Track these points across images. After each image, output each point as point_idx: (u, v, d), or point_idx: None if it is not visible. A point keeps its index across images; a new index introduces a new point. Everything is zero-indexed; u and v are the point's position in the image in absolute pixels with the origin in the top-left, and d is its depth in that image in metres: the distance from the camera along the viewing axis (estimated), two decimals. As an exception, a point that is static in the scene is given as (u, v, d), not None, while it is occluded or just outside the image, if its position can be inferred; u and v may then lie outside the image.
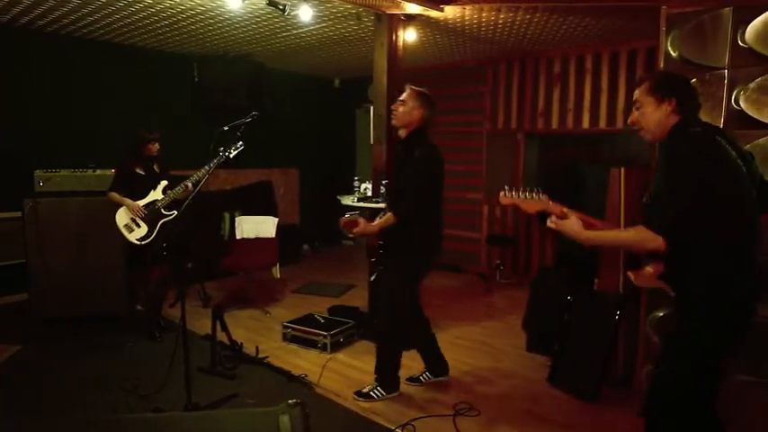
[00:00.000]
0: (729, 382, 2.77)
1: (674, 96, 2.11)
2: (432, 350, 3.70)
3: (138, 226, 4.20)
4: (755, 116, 2.81)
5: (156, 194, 4.26)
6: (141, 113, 5.84)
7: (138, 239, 4.18)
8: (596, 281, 3.82)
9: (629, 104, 5.70)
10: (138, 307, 4.86)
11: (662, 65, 3.16)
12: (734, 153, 2.04)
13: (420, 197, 3.20)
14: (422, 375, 3.70)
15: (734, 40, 2.88)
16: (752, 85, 2.82)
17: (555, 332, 3.82)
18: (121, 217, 4.21)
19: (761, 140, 2.79)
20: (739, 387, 2.91)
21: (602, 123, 5.86)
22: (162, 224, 4.22)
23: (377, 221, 3.27)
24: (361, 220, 3.31)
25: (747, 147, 2.83)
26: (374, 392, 3.41)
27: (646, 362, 3.37)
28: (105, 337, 4.41)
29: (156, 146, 4.33)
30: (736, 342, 2.11)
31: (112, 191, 4.28)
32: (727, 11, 2.89)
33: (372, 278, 3.50)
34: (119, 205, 4.22)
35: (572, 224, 2.15)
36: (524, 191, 2.21)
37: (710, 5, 2.95)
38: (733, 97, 2.89)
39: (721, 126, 2.92)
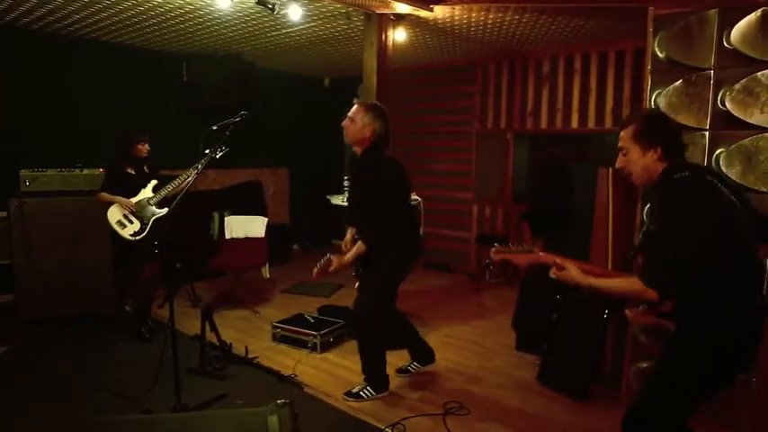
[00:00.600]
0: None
1: (660, 144, 2.10)
2: (415, 342, 3.75)
3: (131, 222, 4.20)
4: (740, 116, 2.84)
5: (146, 193, 4.27)
6: (130, 113, 5.80)
7: (131, 235, 4.17)
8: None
9: (617, 104, 5.78)
10: (127, 308, 4.83)
11: (649, 66, 3.19)
12: (725, 190, 2.02)
13: (389, 217, 3.19)
14: (410, 365, 3.76)
15: (720, 42, 2.91)
16: (737, 86, 2.85)
17: (544, 331, 3.84)
18: (114, 214, 4.20)
19: (745, 141, 2.83)
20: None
21: (591, 123, 5.90)
22: (154, 221, 4.21)
23: (349, 254, 3.23)
24: (334, 258, 3.29)
25: (732, 147, 2.87)
26: (364, 392, 3.41)
27: (633, 361, 3.39)
28: (93, 337, 4.37)
29: (146, 146, 4.33)
30: (736, 372, 2.12)
31: (103, 191, 4.27)
32: (713, 12, 2.92)
33: (357, 285, 3.51)
34: (110, 204, 4.20)
35: (572, 274, 2.18)
36: (515, 244, 2.26)
37: (697, 7, 2.98)
38: (719, 98, 2.92)
39: (707, 126, 2.96)
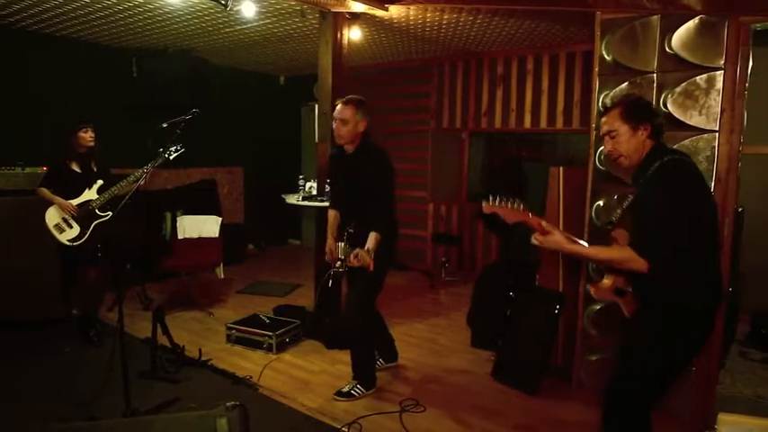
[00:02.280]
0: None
1: (648, 121, 2.15)
2: (385, 338, 3.84)
3: (70, 226, 4.00)
4: (681, 118, 2.97)
5: (90, 194, 4.06)
6: (76, 109, 5.57)
7: (69, 240, 3.98)
8: (537, 277, 3.94)
9: (568, 105, 5.92)
10: (74, 311, 4.65)
11: (597, 68, 3.29)
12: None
13: (390, 204, 3.28)
14: (377, 361, 3.78)
15: (662, 47, 3.03)
16: (678, 89, 2.97)
17: (498, 328, 3.91)
18: (51, 216, 3.99)
19: (686, 141, 2.96)
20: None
21: (543, 123, 6.04)
22: (96, 225, 4.04)
23: (371, 243, 3.11)
24: (362, 252, 3.08)
25: (674, 147, 2.99)
26: (354, 390, 3.42)
27: (584, 354, 3.50)
28: (38, 342, 4.19)
29: (89, 134, 4.08)
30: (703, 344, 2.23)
31: (42, 186, 4.04)
32: (656, 18, 3.04)
33: (331, 273, 3.43)
34: (49, 203, 4.00)
35: (556, 239, 2.20)
36: (506, 201, 2.20)
37: (640, 13, 3.09)
38: (662, 100, 3.04)
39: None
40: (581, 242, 2.27)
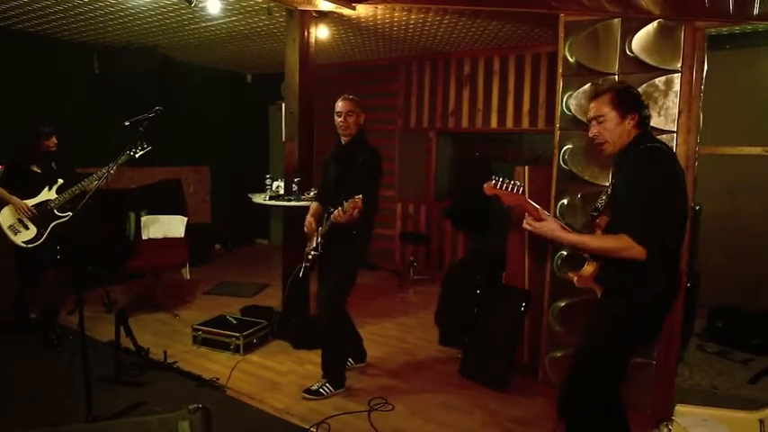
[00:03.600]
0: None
1: (637, 111, 2.17)
2: (355, 339, 3.86)
3: (26, 228, 3.88)
4: (641, 119, 3.04)
5: (49, 194, 3.94)
6: (35, 106, 5.40)
7: (24, 242, 3.86)
8: (504, 275, 4.00)
9: (534, 106, 6.00)
10: (32, 315, 4.50)
11: (560, 69, 3.35)
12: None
13: (371, 201, 3.32)
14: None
15: (623, 49, 3.11)
16: (638, 91, 3.04)
17: (465, 325, 3.95)
18: (6, 217, 3.86)
19: (646, 142, 3.03)
20: (630, 367, 3.16)
21: (510, 123, 6.12)
22: (54, 226, 3.92)
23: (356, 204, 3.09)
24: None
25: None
26: (323, 389, 3.42)
27: (549, 350, 3.57)
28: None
29: (53, 140, 4.01)
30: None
31: None
32: (617, 21, 3.12)
33: (301, 272, 3.45)
34: (4, 203, 3.86)
35: (550, 226, 2.17)
36: (507, 182, 2.17)
37: (603, 16, 3.16)
38: (622, 101, 3.11)
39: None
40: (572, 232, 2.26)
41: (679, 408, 2.30)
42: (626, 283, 2.15)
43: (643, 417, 3.13)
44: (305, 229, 3.50)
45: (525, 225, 2.21)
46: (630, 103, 2.18)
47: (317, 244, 3.32)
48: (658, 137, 2.97)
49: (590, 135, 2.28)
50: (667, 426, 2.32)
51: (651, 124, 2.97)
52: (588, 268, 2.29)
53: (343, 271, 3.40)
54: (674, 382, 3.16)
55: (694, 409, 2.29)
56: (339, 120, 3.42)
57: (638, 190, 2.09)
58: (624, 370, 2.31)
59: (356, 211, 3.06)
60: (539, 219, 2.19)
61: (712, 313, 4.38)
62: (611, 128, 2.19)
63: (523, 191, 2.17)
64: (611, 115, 2.18)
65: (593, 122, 2.24)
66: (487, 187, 2.21)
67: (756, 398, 3.33)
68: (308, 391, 3.42)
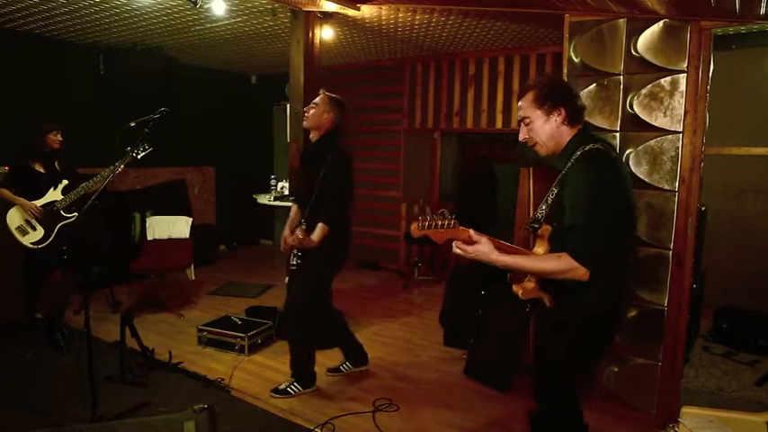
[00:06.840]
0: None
1: (562, 105, 2.03)
2: (350, 342, 3.77)
3: (34, 228, 3.90)
4: (647, 120, 3.04)
5: (55, 195, 3.96)
6: (40, 107, 5.42)
7: (32, 243, 3.88)
8: (508, 275, 3.98)
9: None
10: (38, 315, 4.52)
11: (565, 69, 3.35)
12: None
13: (342, 200, 3.30)
14: (342, 365, 3.77)
15: (628, 49, 3.10)
16: (643, 91, 3.04)
17: (470, 326, 3.94)
18: (14, 218, 3.88)
19: (651, 142, 3.03)
20: (636, 369, 3.15)
21: (515, 124, 6.10)
22: (61, 227, 3.94)
23: (315, 236, 3.17)
24: (300, 232, 3.20)
25: (640, 147, 3.07)
26: (291, 388, 3.42)
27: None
28: (0, 348, 4.07)
29: (59, 137, 4.02)
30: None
31: (3, 187, 3.92)
32: (622, 22, 3.10)
33: (287, 280, 3.47)
34: (11, 205, 3.89)
35: (482, 249, 1.96)
36: (437, 218, 1.89)
37: (608, 16, 3.15)
38: (628, 102, 3.10)
39: (618, 128, 3.14)
40: (521, 250, 2.10)
41: (685, 409, 2.29)
42: (570, 288, 2.01)
43: (648, 418, 3.12)
44: (281, 248, 3.45)
45: (455, 249, 1.98)
46: (555, 99, 2.03)
47: (296, 261, 3.30)
48: (664, 137, 3.00)
49: (520, 139, 2.14)
50: (673, 427, 2.31)
51: (657, 124, 3.00)
52: (529, 284, 2.19)
53: (311, 277, 3.32)
54: (679, 383, 3.15)
55: (700, 410, 2.28)
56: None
57: (579, 203, 1.93)
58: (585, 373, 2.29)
59: (306, 241, 3.12)
60: (470, 242, 1.96)
61: (718, 314, 4.36)
62: (538, 128, 2.06)
63: (455, 223, 1.91)
64: (535, 115, 2.06)
65: (521, 125, 2.11)
66: (414, 231, 1.92)
67: (763, 400, 3.32)
68: (275, 390, 3.43)
